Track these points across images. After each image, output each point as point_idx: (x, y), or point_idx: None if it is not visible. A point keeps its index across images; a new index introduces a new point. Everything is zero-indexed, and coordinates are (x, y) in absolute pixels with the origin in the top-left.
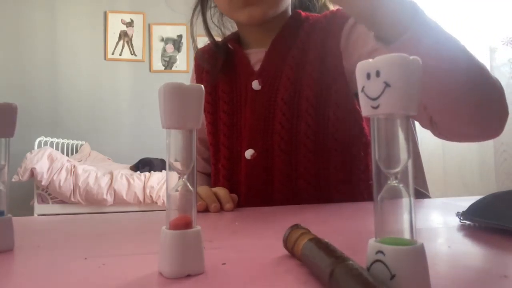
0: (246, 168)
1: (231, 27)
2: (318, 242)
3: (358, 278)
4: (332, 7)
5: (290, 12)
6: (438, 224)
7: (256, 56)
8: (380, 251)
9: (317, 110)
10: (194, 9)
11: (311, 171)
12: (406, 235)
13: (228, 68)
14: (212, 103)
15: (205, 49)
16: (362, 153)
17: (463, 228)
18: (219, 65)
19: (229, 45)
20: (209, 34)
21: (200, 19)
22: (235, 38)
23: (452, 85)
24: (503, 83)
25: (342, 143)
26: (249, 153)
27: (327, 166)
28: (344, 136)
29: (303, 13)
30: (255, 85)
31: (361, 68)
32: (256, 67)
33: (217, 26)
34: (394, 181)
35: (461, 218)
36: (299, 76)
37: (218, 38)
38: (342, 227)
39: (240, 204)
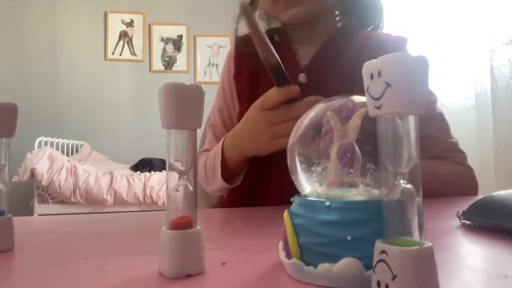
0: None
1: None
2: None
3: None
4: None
5: (334, 12)
6: (438, 224)
7: (303, 52)
8: (383, 251)
9: None
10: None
11: None
12: (414, 236)
13: None
14: (251, 90)
15: (246, 37)
16: None
17: (463, 228)
18: None
19: (275, 37)
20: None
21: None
22: (282, 32)
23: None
24: (503, 83)
25: None
26: None
27: None
28: None
29: (355, 24)
30: (302, 78)
31: (366, 68)
32: (303, 62)
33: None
34: (402, 181)
35: (461, 218)
36: (349, 82)
37: None
38: None
39: (268, 202)
